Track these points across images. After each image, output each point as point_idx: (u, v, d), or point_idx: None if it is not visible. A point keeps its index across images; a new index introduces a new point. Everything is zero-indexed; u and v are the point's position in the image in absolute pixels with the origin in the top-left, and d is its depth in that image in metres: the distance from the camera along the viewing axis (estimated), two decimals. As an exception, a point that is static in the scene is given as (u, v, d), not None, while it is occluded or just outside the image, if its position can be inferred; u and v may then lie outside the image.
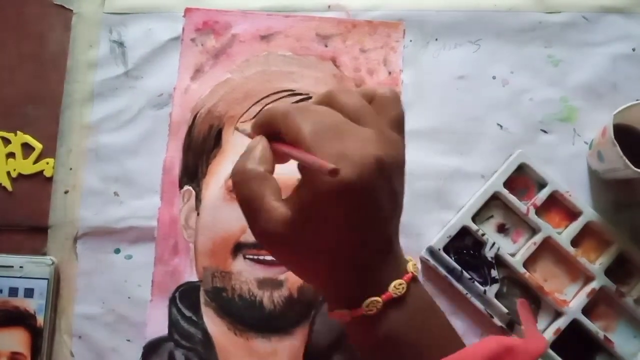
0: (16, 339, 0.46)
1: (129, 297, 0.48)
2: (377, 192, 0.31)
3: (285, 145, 0.32)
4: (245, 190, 0.32)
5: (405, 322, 0.33)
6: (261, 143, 0.33)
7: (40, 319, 0.47)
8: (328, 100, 0.33)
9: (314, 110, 0.32)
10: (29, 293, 0.47)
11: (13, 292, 0.47)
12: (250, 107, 0.50)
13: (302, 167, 0.32)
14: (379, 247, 0.33)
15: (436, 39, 0.52)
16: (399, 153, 0.33)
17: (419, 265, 0.48)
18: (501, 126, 0.50)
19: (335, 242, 0.32)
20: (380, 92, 0.34)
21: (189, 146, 0.50)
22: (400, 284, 0.32)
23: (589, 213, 0.47)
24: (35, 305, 0.47)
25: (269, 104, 0.50)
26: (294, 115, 0.32)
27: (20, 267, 0.47)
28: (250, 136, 0.35)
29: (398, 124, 0.34)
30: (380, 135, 0.32)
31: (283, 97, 0.50)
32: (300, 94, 0.50)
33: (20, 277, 0.47)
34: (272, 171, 0.33)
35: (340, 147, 0.30)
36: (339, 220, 0.31)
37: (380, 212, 0.32)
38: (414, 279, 0.34)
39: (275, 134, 0.33)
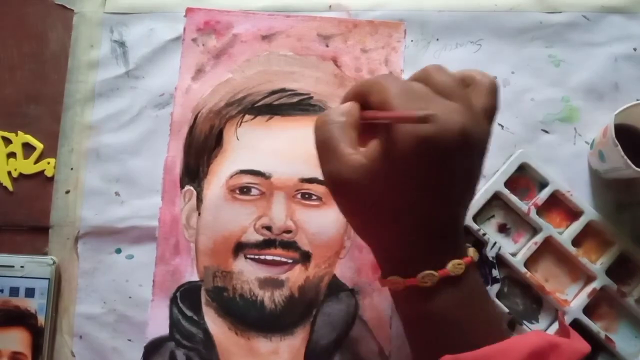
0: (17, 339, 0.46)
1: (130, 297, 0.48)
2: (455, 161, 0.31)
3: (374, 111, 0.32)
4: (324, 132, 0.33)
5: (456, 302, 0.33)
6: (350, 104, 0.34)
7: (41, 319, 0.47)
8: (422, 76, 0.33)
9: (404, 81, 0.33)
10: (30, 293, 0.47)
11: (14, 291, 0.47)
12: (251, 107, 0.50)
13: (383, 126, 0.32)
14: (445, 220, 0.33)
15: (437, 39, 0.52)
16: (483, 137, 0.33)
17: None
18: (502, 126, 0.50)
19: (407, 200, 0.32)
20: (478, 77, 0.34)
21: (190, 146, 0.50)
22: (459, 264, 0.33)
23: (590, 213, 0.47)
24: (36, 305, 0.47)
25: (270, 103, 0.50)
26: (383, 80, 0.32)
27: (22, 266, 0.47)
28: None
29: (488, 113, 0.33)
30: (468, 111, 0.31)
31: (284, 96, 0.50)
32: (302, 94, 0.50)
33: (21, 277, 0.47)
34: (355, 128, 0.33)
35: (424, 107, 0.30)
36: (416, 178, 0.31)
37: (453, 185, 0.32)
38: (472, 264, 0.34)
39: (365, 103, 0.33)
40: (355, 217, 0.35)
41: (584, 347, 0.34)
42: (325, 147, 0.33)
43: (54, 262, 0.47)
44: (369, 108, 0.33)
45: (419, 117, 0.29)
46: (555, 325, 0.45)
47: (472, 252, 0.34)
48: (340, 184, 0.33)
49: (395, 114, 0.30)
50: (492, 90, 0.34)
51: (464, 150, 0.31)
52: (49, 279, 0.47)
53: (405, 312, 0.36)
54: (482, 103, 0.33)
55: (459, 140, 0.30)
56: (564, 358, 0.31)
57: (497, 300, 0.46)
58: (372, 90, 0.33)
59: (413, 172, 0.31)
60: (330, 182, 0.34)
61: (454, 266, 0.33)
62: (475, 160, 0.33)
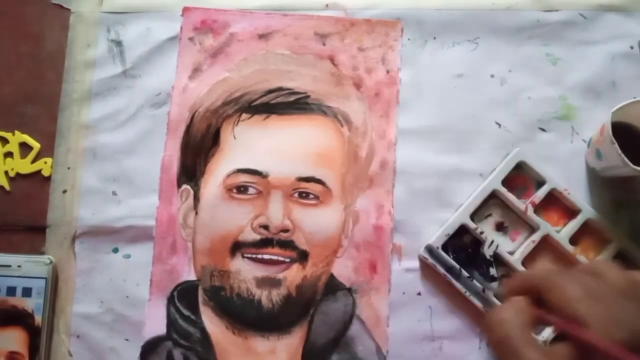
0: (14, 339, 0.46)
1: (127, 297, 0.48)
2: None
3: (566, 322, 0.31)
4: (502, 331, 0.31)
5: None
6: (523, 300, 0.32)
7: (38, 318, 0.47)
8: (593, 270, 0.32)
9: (580, 276, 0.32)
10: (27, 292, 0.47)
11: (11, 291, 0.47)
12: (248, 106, 0.50)
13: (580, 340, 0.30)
14: None
15: (434, 38, 0.51)
16: None
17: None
18: (499, 124, 0.50)
19: None
20: (634, 277, 0.32)
21: (187, 145, 0.50)
22: None
23: (587, 211, 0.47)
24: (33, 304, 0.47)
25: (267, 102, 0.50)
26: (555, 277, 0.31)
27: (19, 266, 0.47)
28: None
29: None
30: None
31: (281, 95, 0.50)
32: (299, 93, 0.50)
33: (18, 277, 0.47)
34: (533, 326, 0.32)
35: (611, 311, 0.30)
36: None
37: None
38: None
39: (536, 296, 0.32)
40: None
41: None
42: (505, 348, 0.31)
43: (51, 262, 0.47)
44: (541, 301, 0.32)
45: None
46: (553, 324, 0.45)
47: None
48: None
49: (590, 339, 0.29)
50: None
51: None
52: (46, 278, 0.47)
53: None
54: None
55: None
56: None
57: (494, 299, 0.46)
58: (548, 289, 0.31)
59: None
60: None
61: None
62: None
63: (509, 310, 0.32)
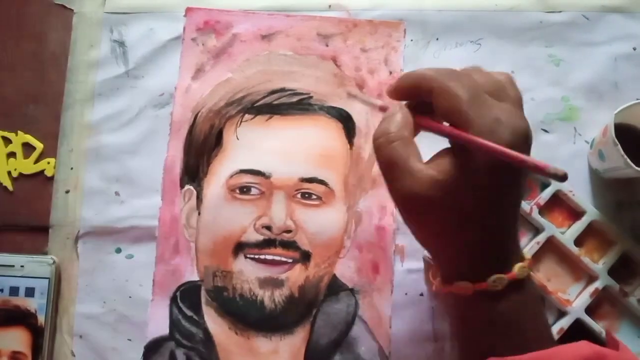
0: (17, 339, 0.46)
1: (130, 297, 0.48)
2: None
3: (455, 128, 0.31)
4: (388, 151, 0.32)
5: (520, 306, 0.33)
6: (403, 110, 0.34)
7: (41, 319, 0.46)
8: (466, 75, 0.33)
9: (464, 75, 0.32)
10: (30, 292, 0.47)
11: (14, 291, 0.47)
12: (250, 107, 0.50)
13: (448, 133, 0.32)
14: (510, 224, 0.34)
15: (437, 39, 0.52)
16: (530, 131, 0.33)
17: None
18: (502, 125, 0.50)
19: (480, 211, 0.32)
20: (499, 77, 0.34)
21: (190, 145, 0.50)
22: (523, 267, 0.33)
23: (592, 212, 0.47)
24: (36, 304, 0.47)
25: (270, 103, 0.50)
26: (446, 81, 0.31)
27: (22, 266, 0.47)
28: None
29: (520, 105, 0.34)
30: (517, 111, 0.32)
31: (283, 96, 0.50)
32: (301, 94, 0.50)
33: (21, 277, 0.47)
34: (414, 136, 0.33)
35: (493, 114, 0.31)
36: (489, 188, 0.31)
37: (522, 181, 0.33)
38: (530, 267, 0.34)
39: (416, 99, 0.33)
40: (425, 230, 0.35)
41: (631, 358, 0.33)
42: (392, 167, 0.33)
43: (54, 262, 0.47)
44: (424, 104, 0.33)
45: (555, 174, 0.29)
46: (558, 325, 0.45)
47: (529, 255, 0.35)
48: (413, 201, 0.33)
49: (522, 158, 0.30)
50: (512, 82, 0.34)
51: (527, 149, 0.32)
52: (48, 278, 0.47)
53: (466, 315, 0.36)
54: (517, 98, 0.33)
55: (526, 144, 0.31)
56: None
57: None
58: (438, 93, 0.32)
59: (486, 183, 0.31)
60: (401, 200, 0.33)
61: (520, 269, 0.33)
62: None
63: (391, 127, 0.33)
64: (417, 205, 0.33)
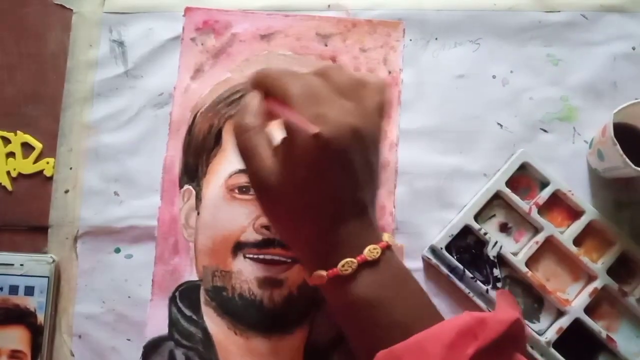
0: (16, 337, 0.46)
1: (129, 297, 0.47)
2: (351, 156, 0.34)
3: (275, 103, 0.35)
4: (241, 141, 0.36)
5: (378, 285, 0.35)
6: (256, 98, 0.37)
7: (40, 317, 0.46)
8: (324, 73, 0.37)
9: (304, 77, 0.36)
10: (30, 291, 0.47)
11: (13, 290, 0.47)
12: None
13: (287, 124, 0.35)
14: (354, 210, 0.36)
15: (436, 38, 0.52)
16: (376, 131, 0.36)
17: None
18: (501, 125, 0.50)
19: (315, 196, 0.35)
20: (370, 79, 0.38)
21: (189, 145, 0.50)
22: (374, 248, 0.36)
23: (591, 212, 0.47)
24: (35, 303, 0.46)
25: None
26: (285, 77, 0.36)
27: (21, 265, 0.47)
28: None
29: (379, 109, 0.37)
30: (362, 110, 0.35)
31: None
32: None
33: (20, 275, 0.47)
34: (266, 124, 0.36)
35: (321, 110, 0.34)
36: (317, 174, 0.34)
37: (355, 175, 0.35)
38: (388, 247, 0.37)
39: (268, 92, 0.37)
40: (275, 218, 0.38)
41: (510, 315, 0.34)
42: (246, 156, 0.36)
43: (54, 261, 0.47)
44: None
45: (313, 134, 0.33)
46: (557, 325, 0.45)
47: (387, 237, 0.37)
48: (260, 188, 0.36)
49: (294, 118, 0.33)
50: (382, 89, 0.37)
51: (356, 146, 0.34)
52: (48, 277, 0.47)
53: (335, 305, 0.38)
54: (373, 100, 0.36)
55: (351, 139, 0.34)
56: (490, 331, 0.32)
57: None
58: (275, 87, 0.36)
59: (314, 170, 0.34)
60: (253, 186, 0.37)
61: (370, 251, 0.35)
62: (371, 153, 0.36)
63: (247, 117, 0.36)
64: (262, 192, 0.36)
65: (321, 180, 0.35)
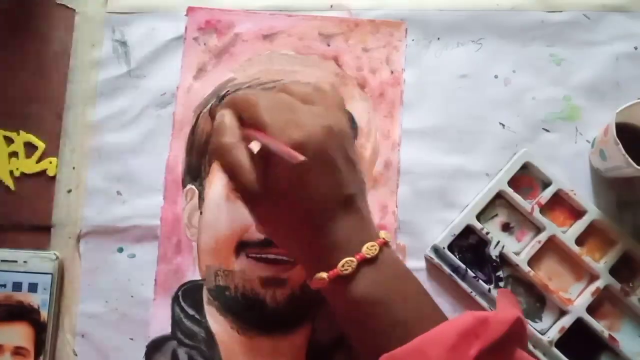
0: (20, 334, 0.46)
1: (132, 296, 0.48)
2: (331, 153, 0.35)
3: (253, 131, 0.36)
4: (225, 160, 0.36)
5: (378, 282, 0.36)
6: (227, 116, 0.37)
7: (44, 314, 0.46)
8: (283, 89, 0.39)
9: (268, 96, 0.38)
10: (33, 288, 0.47)
11: (17, 286, 0.47)
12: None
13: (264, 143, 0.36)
14: (344, 207, 0.36)
15: (438, 38, 0.52)
16: (344, 126, 0.38)
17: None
18: (503, 125, 0.50)
19: (303, 200, 0.35)
20: (323, 85, 0.40)
21: (192, 145, 0.50)
22: (372, 246, 0.36)
23: (593, 212, 0.47)
24: (39, 300, 0.47)
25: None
26: (252, 96, 0.37)
27: (25, 261, 0.47)
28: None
29: (340, 107, 0.39)
30: (328, 111, 0.37)
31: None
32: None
33: (24, 272, 0.47)
34: (240, 139, 0.37)
35: (292, 117, 0.35)
36: (298, 178, 0.35)
37: (338, 172, 0.36)
38: (386, 244, 0.37)
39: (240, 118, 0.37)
40: (270, 228, 0.39)
41: (511, 315, 0.34)
42: (232, 174, 0.36)
43: (57, 257, 0.47)
44: (243, 121, 0.37)
45: (297, 160, 0.33)
46: (560, 324, 0.45)
47: (384, 234, 0.37)
48: (251, 200, 0.37)
49: (276, 147, 0.34)
50: (333, 89, 0.42)
51: (333, 144, 0.36)
52: (51, 274, 0.47)
53: (337, 307, 0.38)
54: (336, 101, 0.39)
55: (326, 138, 0.35)
56: (492, 331, 0.33)
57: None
58: (243, 107, 0.37)
59: (297, 174, 0.35)
60: (244, 200, 0.37)
61: (367, 248, 0.36)
62: (348, 147, 0.37)
63: (228, 135, 0.36)
64: (254, 203, 0.37)
65: (306, 183, 0.35)
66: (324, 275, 0.36)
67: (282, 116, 0.35)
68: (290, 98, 0.37)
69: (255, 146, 0.35)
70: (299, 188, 0.35)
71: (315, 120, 0.35)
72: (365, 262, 0.36)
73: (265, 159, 0.35)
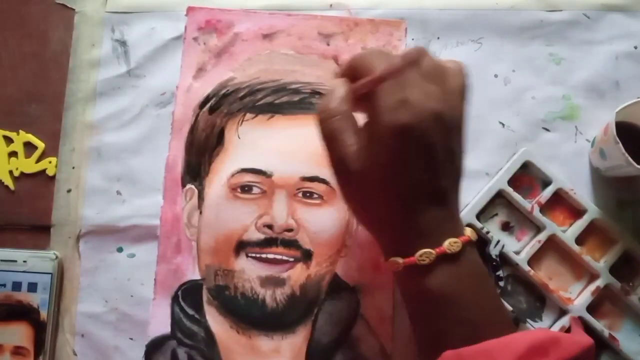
0: (20, 333, 0.46)
1: (131, 296, 0.48)
2: (432, 141, 0.34)
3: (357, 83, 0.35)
4: (328, 126, 0.35)
5: (454, 281, 0.35)
6: (342, 84, 0.36)
7: (43, 314, 0.46)
8: (414, 54, 0.36)
9: (389, 57, 0.35)
10: (33, 287, 0.47)
11: (17, 286, 0.47)
12: (252, 106, 0.50)
13: (369, 107, 0.35)
14: (434, 198, 0.35)
15: (438, 38, 0.52)
16: (458, 116, 0.36)
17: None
18: (503, 124, 0.50)
19: (396, 182, 0.34)
20: (448, 65, 0.37)
21: (191, 145, 0.50)
22: (455, 242, 0.35)
23: (593, 211, 0.47)
24: (38, 299, 0.47)
25: (271, 102, 0.50)
26: (369, 56, 0.36)
27: (24, 261, 0.47)
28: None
29: (460, 92, 0.36)
30: (444, 94, 0.35)
31: (285, 95, 0.50)
32: (303, 92, 0.50)
33: (23, 272, 0.47)
34: (351, 109, 0.36)
35: (405, 94, 0.33)
36: (400, 159, 0.34)
37: (435, 161, 0.34)
38: (469, 242, 0.36)
39: (355, 73, 0.36)
40: (356, 204, 0.38)
41: (585, 340, 0.34)
42: (331, 141, 0.36)
43: (57, 257, 0.47)
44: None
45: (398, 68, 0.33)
46: (560, 323, 0.45)
47: (469, 232, 0.36)
48: (341, 173, 0.36)
49: (374, 77, 0.34)
50: (462, 72, 0.37)
51: (440, 131, 0.34)
52: (51, 273, 0.47)
53: (406, 291, 0.38)
54: (457, 84, 0.36)
55: (433, 124, 0.34)
56: (563, 351, 0.32)
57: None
58: (360, 67, 0.36)
59: (397, 155, 0.34)
60: (334, 171, 0.37)
61: (450, 244, 0.35)
62: (454, 137, 0.36)
63: (332, 102, 0.36)
64: (343, 176, 0.36)
65: (403, 165, 0.34)
66: (399, 260, 0.35)
67: (395, 95, 0.34)
68: (413, 72, 0.35)
69: (361, 119, 0.35)
70: (396, 169, 0.34)
71: (428, 102, 0.34)
72: (445, 257, 0.34)
73: (368, 133, 0.35)
